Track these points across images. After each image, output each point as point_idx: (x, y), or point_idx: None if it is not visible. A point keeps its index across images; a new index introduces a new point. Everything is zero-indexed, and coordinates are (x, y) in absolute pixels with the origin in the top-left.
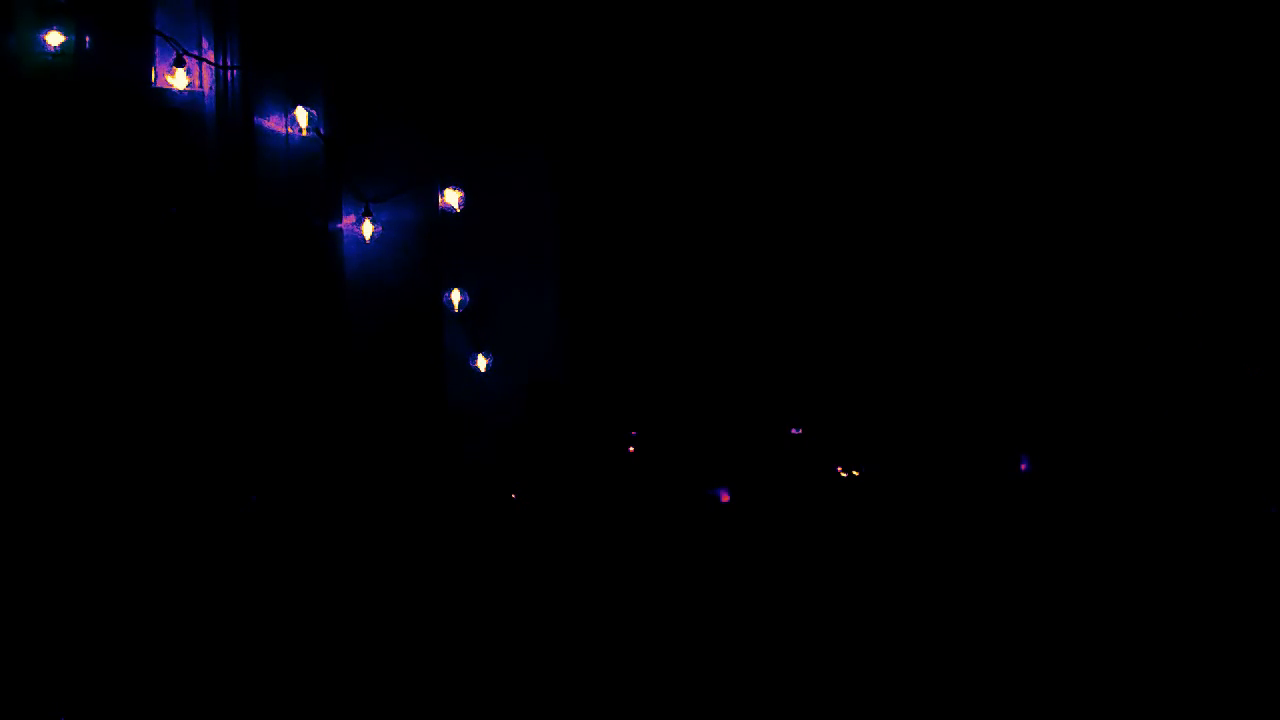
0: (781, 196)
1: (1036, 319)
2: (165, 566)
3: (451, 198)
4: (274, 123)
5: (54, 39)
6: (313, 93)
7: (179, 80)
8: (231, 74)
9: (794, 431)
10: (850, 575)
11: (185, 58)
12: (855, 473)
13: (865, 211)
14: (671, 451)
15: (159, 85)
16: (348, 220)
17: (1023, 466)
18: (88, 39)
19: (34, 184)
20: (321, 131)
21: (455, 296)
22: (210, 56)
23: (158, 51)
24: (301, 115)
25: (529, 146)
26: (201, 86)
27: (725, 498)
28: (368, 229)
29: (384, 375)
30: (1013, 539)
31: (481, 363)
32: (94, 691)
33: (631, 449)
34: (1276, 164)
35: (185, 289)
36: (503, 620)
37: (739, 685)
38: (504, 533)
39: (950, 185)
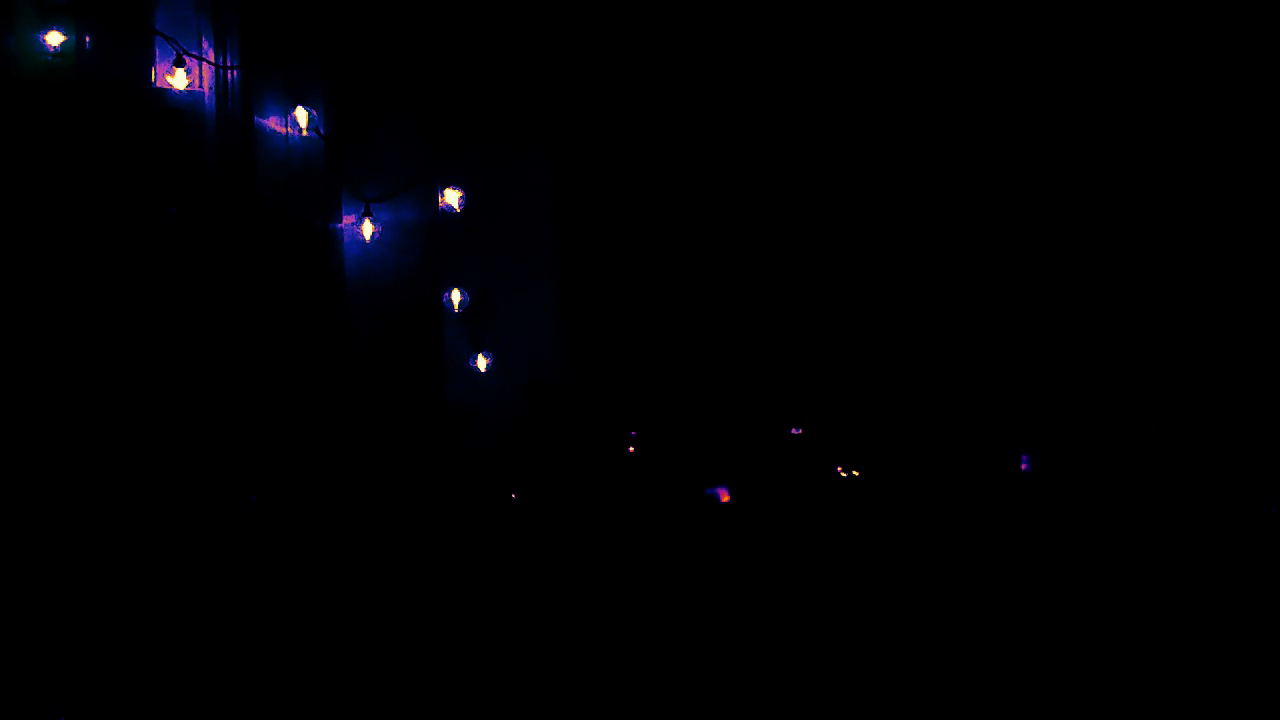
0: (780, 198)
1: (1036, 319)
2: (166, 566)
3: (451, 198)
4: (274, 123)
5: (54, 39)
6: (313, 93)
7: (179, 80)
8: (231, 74)
9: (794, 431)
10: (850, 575)
11: (185, 58)
12: (855, 473)
13: (864, 213)
14: (671, 451)
15: (159, 85)
16: (348, 220)
17: (1023, 466)
18: (88, 39)
19: (34, 184)
20: (321, 131)
21: (455, 296)
22: (210, 56)
23: (158, 51)
24: (301, 115)
25: (529, 146)
26: (201, 86)
27: (725, 498)
28: (368, 229)
29: (384, 375)
30: (1013, 539)
31: (481, 363)
32: (94, 691)
33: (631, 449)
34: (1263, 160)
35: (186, 289)
36: (502, 619)
37: (739, 685)
38: (503, 532)
39: (950, 186)
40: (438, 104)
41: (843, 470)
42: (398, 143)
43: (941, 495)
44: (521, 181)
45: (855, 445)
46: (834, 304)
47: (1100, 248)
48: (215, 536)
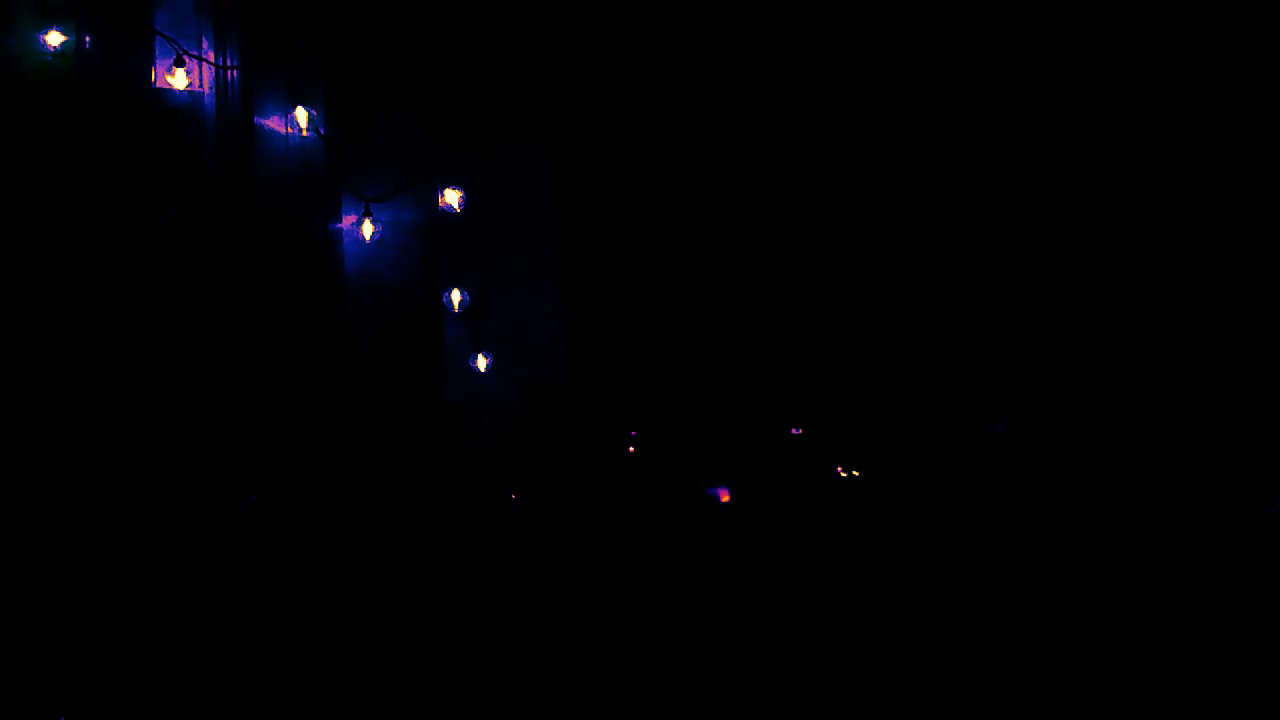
0: (780, 198)
1: (1036, 319)
2: (166, 566)
3: (451, 198)
4: (274, 123)
5: (54, 39)
6: (313, 93)
7: (179, 80)
8: (231, 74)
9: (794, 431)
10: (850, 575)
11: (185, 58)
12: (855, 473)
13: (864, 213)
14: (671, 451)
15: (159, 85)
16: (348, 220)
17: (1022, 467)
18: (88, 39)
19: (34, 184)
20: (321, 131)
21: (455, 296)
22: (210, 56)
23: (158, 51)
24: (301, 115)
25: (529, 147)
26: (201, 86)
27: (725, 497)
28: (368, 229)
29: (384, 375)
30: (1013, 539)
31: (481, 363)
32: (94, 691)
33: (631, 449)
34: (1270, 155)
35: (185, 289)
36: (502, 620)
37: (739, 685)
38: (504, 532)
39: (950, 187)
40: (438, 104)
41: (843, 470)
42: (398, 143)
43: (942, 496)
44: (521, 181)
45: (855, 445)
46: (833, 304)
47: (1100, 249)
48: (215, 536)
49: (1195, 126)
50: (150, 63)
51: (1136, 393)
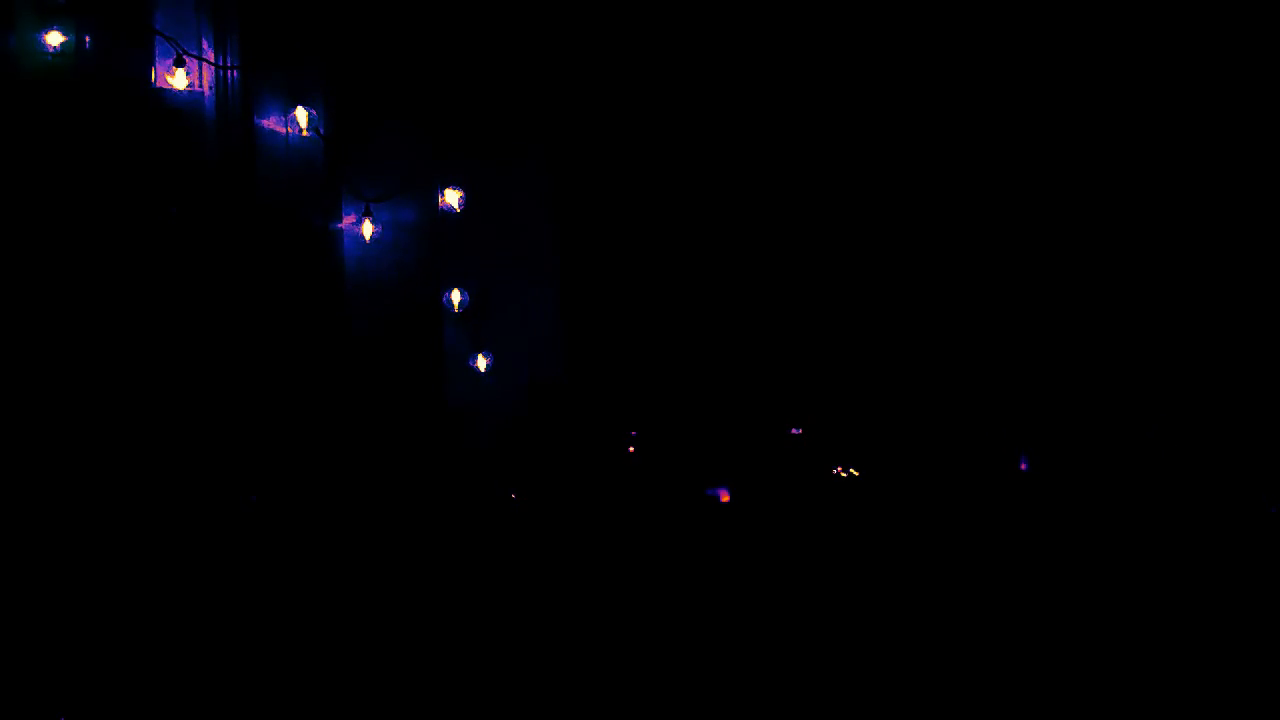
0: (780, 198)
1: (1035, 319)
2: (166, 566)
3: (451, 198)
4: (274, 123)
5: (54, 39)
6: (313, 93)
7: (179, 80)
8: (231, 74)
9: (794, 431)
10: (849, 575)
11: (185, 58)
12: (855, 473)
13: (864, 213)
14: (671, 451)
15: (159, 85)
16: (348, 220)
17: (1022, 466)
18: (88, 39)
19: (34, 184)
20: (321, 131)
21: (455, 296)
22: (210, 56)
23: (158, 51)
24: (301, 115)
25: (529, 147)
26: (201, 86)
27: (725, 498)
28: (368, 229)
29: (384, 375)
30: (1012, 539)
31: (481, 363)
32: (94, 691)
33: (631, 449)
34: (1262, 160)
35: (185, 289)
36: (502, 620)
37: (738, 685)
38: (504, 532)
39: (949, 186)
40: (438, 104)
41: (843, 470)
42: (398, 143)
43: (941, 495)
44: (522, 181)
45: (855, 445)
46: (833, 304)
47: (1099, 247)
48: (215, 536)
49: (1184, 134)
50: (150, 63)
51: (1137, 393)
